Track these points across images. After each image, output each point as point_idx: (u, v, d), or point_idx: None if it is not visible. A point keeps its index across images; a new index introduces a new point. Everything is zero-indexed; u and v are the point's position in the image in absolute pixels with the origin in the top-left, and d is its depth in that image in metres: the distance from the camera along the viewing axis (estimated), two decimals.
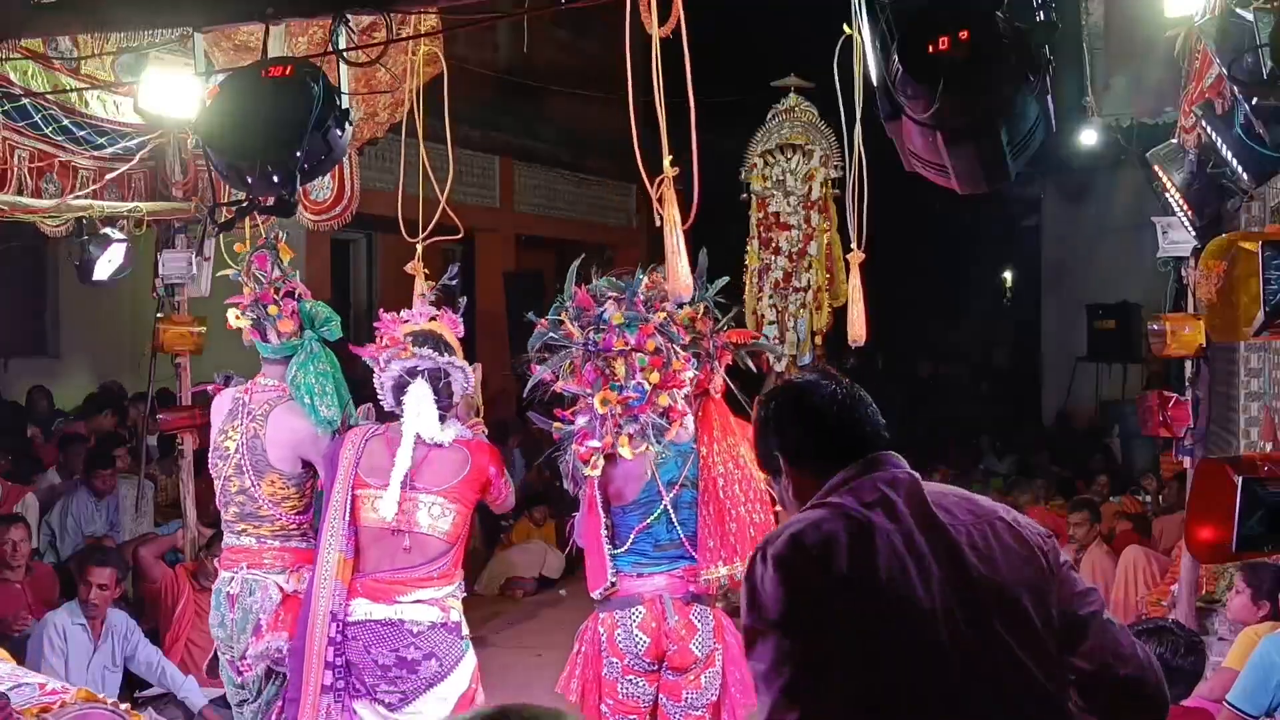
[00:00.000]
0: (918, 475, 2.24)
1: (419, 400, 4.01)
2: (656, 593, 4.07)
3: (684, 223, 3.42)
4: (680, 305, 4.09)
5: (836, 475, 2.23)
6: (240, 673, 4.37)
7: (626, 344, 3.93)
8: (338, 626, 3.98)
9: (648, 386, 3.91)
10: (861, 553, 2.10)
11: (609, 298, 4.01)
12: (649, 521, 4.09)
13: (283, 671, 4.31)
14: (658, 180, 3.43)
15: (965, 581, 2.11)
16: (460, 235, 5.00)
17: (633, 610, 4.07)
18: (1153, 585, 6.60)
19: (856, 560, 2.10)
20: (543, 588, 8.99)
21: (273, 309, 4.36)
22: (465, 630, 4.12)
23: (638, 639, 4.05)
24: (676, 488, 4.09)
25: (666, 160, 3.36)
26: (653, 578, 4.09)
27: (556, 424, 4.02)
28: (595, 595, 4.11)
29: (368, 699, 4.00)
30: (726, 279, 4.36)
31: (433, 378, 4.04)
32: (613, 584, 4.06)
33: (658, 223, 3.45)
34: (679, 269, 3.43)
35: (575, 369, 3.99)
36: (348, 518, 4.03)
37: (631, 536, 4.12)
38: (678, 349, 4.01)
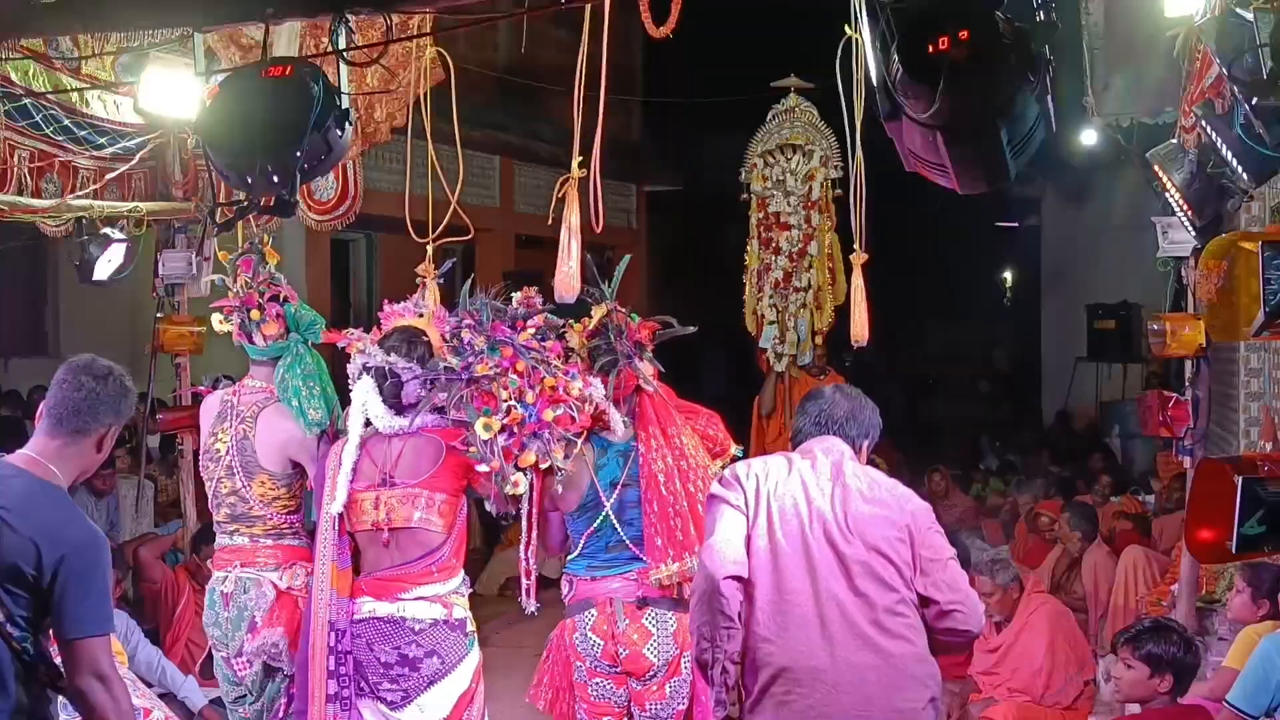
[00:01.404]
0: (843, 451, 3.34)
1: (360, 395, 4.03)
2: (608, 595, 4.07)
3: (597, 226, 3.44)
4: (576, 320, 4.14)
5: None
6: (237, 671, 4.38)
7: (497, 367, 3.93)
8: (336, 635, 3.97)
9: (521, 410, 3.91)
10: (784, 475, 3.28)
11: (465, 325, 4.01)
12: (595, 526, 4.09)
13: (280, 667, 4.33)
14: (561, 180, 3.42)
15: (842, 507, 3.20)
16: (471, 235, 4.98)
17: (587, 613, 4.09)
18: (1153, 585, 6.59)
19: (777, 477, 3.28)
20: (543, 588, 8.97)
21: (255, 314, 4.36)
22: (470, 627, 4.11)
23: (592, 641, 4.07)
24: (619, 488, 4.08)
25: (575, 161, 3.35)
26: (606, 580, 4.09)
27: (471, 450, 3.98)
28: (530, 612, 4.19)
29: (371, 698, 4.00)
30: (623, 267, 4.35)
31: (378, 375, 4.04)
32: (539, 609, 4.15)
33: (550, 220, 3.48)
34: (565, 271, 3.43)
35: (464, 397, 3.98)
36: (337, 527, 4.03)
37: (582, 541, 4.13)
38: (554, 363, 4.00)
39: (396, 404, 4.04)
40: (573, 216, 3.39)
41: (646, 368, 4.17)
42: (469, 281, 4.24)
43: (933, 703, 3.21)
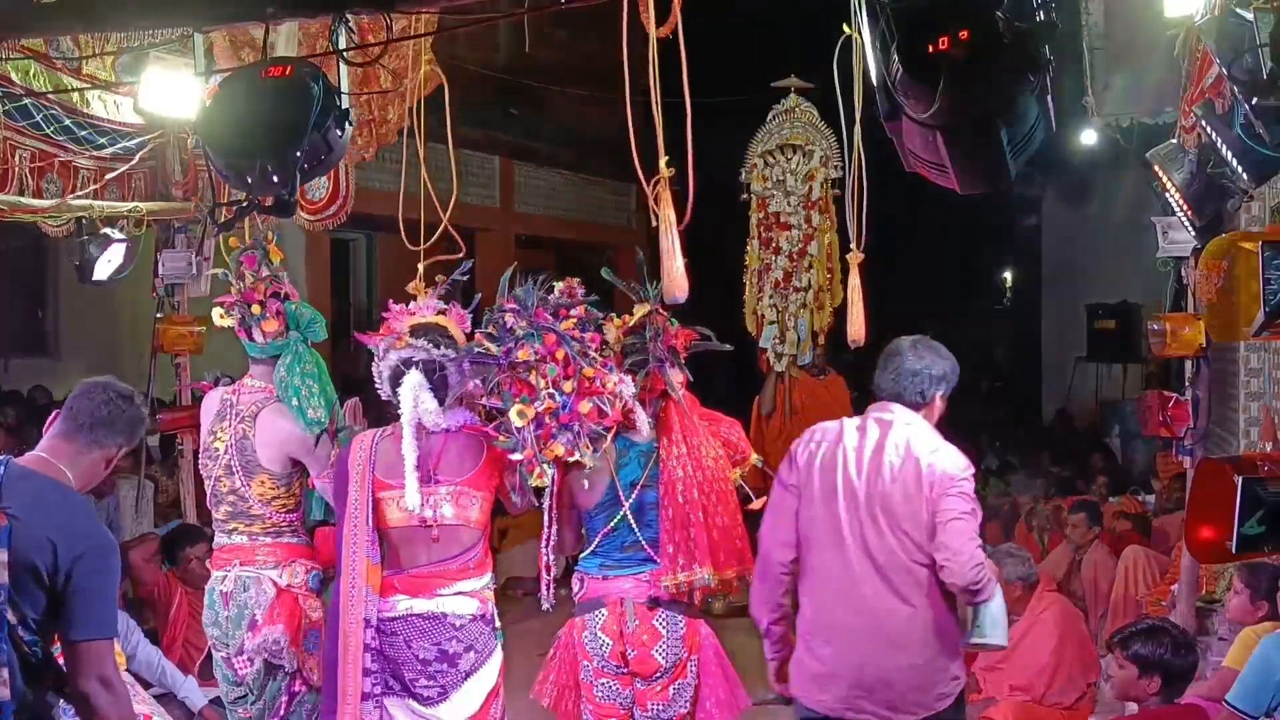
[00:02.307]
0: (894, 420, 3.64)
1: (412, 390, 3.96)
2: (620, 595, 4.05)
3: (679, 223, 3.44)
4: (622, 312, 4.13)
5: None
6: (238, 670, 4.38)
7: (537, 354, 3.89)
8: (373, 631, 3.94)
9: (560, 397, 3.86)
10: (832, 450, 3.67)
11: (508, 310, 3.96)
12: (613, 524, 4.07)
13: (281, 665, 4.33)
14: (653, 181, 3.43)
15: (873, 483, 3.58)
16: (462, 254, 4.92)
17: (597, 612, 4.07)
18: (1153, 585, 6.60)
19: (826, 452, 3.68)
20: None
21: (255, 308, 4.35)
22: (497, 623, 4.09)
23: (601, 641, 4.06)
24: (639, 488, 4.07)
25: (662, 161, 3.36)
26: (618, 580, 4.08)
27: (501, 440, 3.91)
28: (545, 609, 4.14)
29: (403, 695, 3.95)
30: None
31: (427, 368, 4.00)
32: (553, 606, 4.09)
33: (654, 223, 3.48)
34: (673, 270, 3.44)
35: (500, 383, 3.93)
36: (370, 522, 3.99)
37: (598, 539, 4.11)
38: (593, 356, 3.96)
39: (441, 395, 3.99)
40: (670, 214, 3.41)
41: (675, 375, 4.15)
42: (510, 271, 4.18)
43: (943, 655, 3.58)
